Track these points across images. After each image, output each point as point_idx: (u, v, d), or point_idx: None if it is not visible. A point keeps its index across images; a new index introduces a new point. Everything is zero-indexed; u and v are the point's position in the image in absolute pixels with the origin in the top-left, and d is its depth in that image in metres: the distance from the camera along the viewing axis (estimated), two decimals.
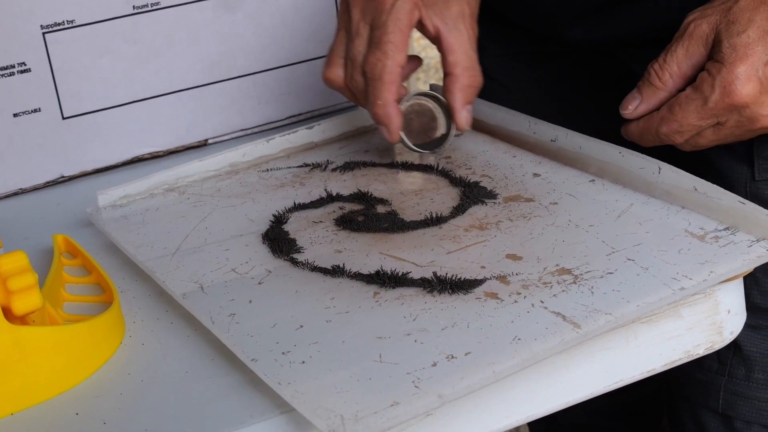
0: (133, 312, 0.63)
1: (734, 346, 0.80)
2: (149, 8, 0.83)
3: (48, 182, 0.85)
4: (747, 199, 0.63)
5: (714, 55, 0.67)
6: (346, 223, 0.69)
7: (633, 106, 0.71)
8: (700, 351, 0.61)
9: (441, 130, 0.78)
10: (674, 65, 0.69)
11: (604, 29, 0.80)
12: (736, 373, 0.79)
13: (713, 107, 0.66)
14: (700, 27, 0.68)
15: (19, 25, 0.79)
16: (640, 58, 0.81)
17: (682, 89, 0.69)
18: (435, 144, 0.78)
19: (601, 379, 0.57)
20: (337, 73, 0.75)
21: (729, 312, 0.61)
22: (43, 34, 0.80)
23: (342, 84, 0.75)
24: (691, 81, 0.69)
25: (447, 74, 0.74)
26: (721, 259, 0.60)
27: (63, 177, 0.85)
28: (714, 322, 0.61)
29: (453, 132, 0.77)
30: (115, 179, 0.85)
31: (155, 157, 0.88)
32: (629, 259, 0.61)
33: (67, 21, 0.81)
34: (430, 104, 0.78)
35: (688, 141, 0.69)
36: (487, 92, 0.82)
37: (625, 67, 0.86)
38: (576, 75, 0.90)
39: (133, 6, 0.83)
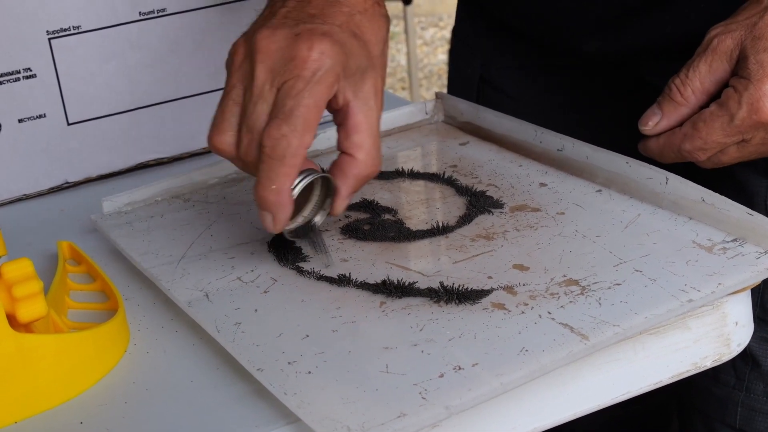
0: (137, 320, 0.63)
1: (752, 361, 0.79)
2: (156, 14, 0.83)
3: (52, 188, 0.84)
4: (766, 212, 0.63)
5: (739, 71, 0.66)
6: (352, 231, 0.68)
7: (653, 122, 0.70)
8: (708, 363, 0.61)
9: (311, 204, 0.65)
10: (697, 81, 0.68)
11: (619, 41, 0.80)
12: (755, 388, 0.79)
13: (740, 124, 0.66)
14: (724, 42, 0.67)
15: (24, 31, 0.79)
16: (655, 69, 0.81)
17: (704, 105, 0.68)
18: (303, 230, 0.66)
19: (608, 390, 0.57)
20: (228, 140, 0.62)
21: (737, 324, 0.61)
22: (49, 39, 0.80)
23: (233, 154, 0.62)
24: (713, 97, 0.68)
25: (346, 154, 0.62)
26: (729, 271, 0.60)
27: (67, 183, 0.85)
28: (722, 334, 0.60)
29: (322, 217, 0.65)
30: (120, 186, 0.84)
31: (160, 163, 0.88)
32: (637, 271, 0.60)
33: (73, 27, 0.81)
34: (316, 181, 0.64)
35: (711, 158, 0.69)
36: (494, 104, 0.82)
37: (635, 79, 0.85)
38: (584, 87, 0.89)
39: (140, 12, 0.82)
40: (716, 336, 0.60)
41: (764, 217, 0.62)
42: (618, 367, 0.57)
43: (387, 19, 0.65)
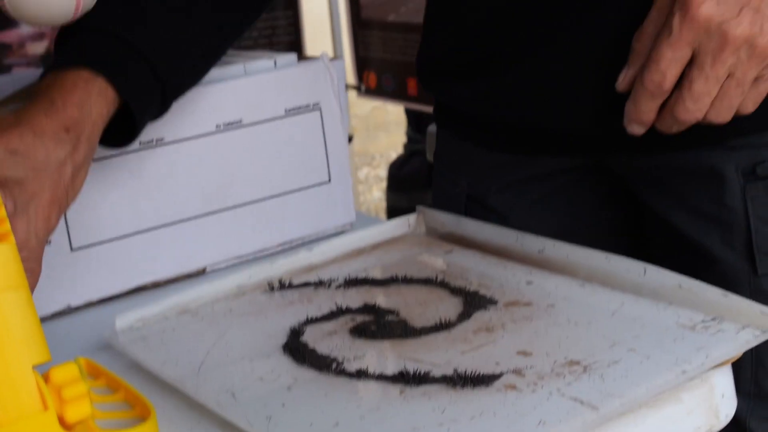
0: (164, 426, 0.66)
1: None
2: (155, 144, 0.89)
3: (55, 313, 0.88)
4: (750, 294, 0.68)
5: None
6: (360, 332, 0.73)
7: (622, 76, 0.77)
8: None
9: None
10: (650, 26, 0.74)
11: (597, 114, 0.84)
12: None
13: (679, 31, 0.71)
14: None
15: None
16: (634, 169, 0.88)
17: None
18: None
19: None
20: None
21: (723, 396, 0.67)
22: None
23: None
24: None
25: None
26: (714, 345, 0.66)
27: (70, 307, 0.88)
28: (711, 405, 0.66)
29: None
30: (118, 307, 0.88)
31: (156, 285, 0.92)
32: (631, 350, 0.66)
33: None
34: None
35: (689, 96, 0.72)
36: (482, 220, 0.88)
37: (615, 183, 0.91)
38: (568, 198, 0.95)
39: (140, 142, 0.88)
40: (707, 408, 0.66)
41: (738, 297, 0.69)
42: None
43: (68, 144, 0.72)
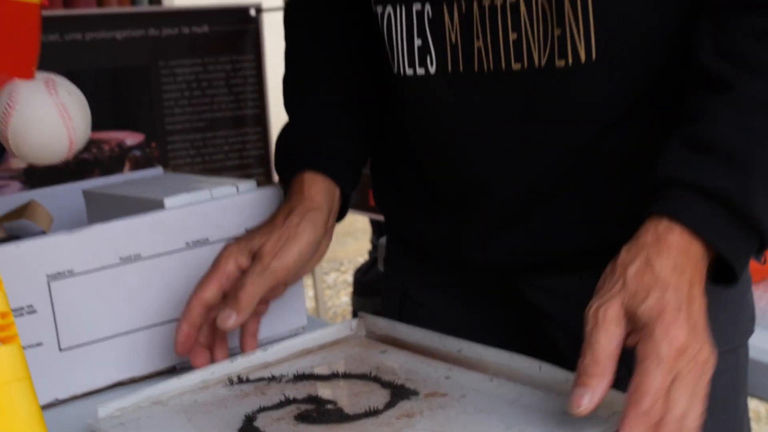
0: None
1: None
2: (133, 259, 1.04)
3: (44, 405, 1.01)
4: None
5: (636, 326, 0.77)
6: (303, 418, 0.88)
7: (585, 400, 0.76)
8: None
9: None
10: (605, 350, 0.76)
11: (502, 251, 1.02)
12: None
13: (667, 359, 0.75)
14: (609, 310, 0.77)
15: (29, 275, 0.99)
16: (533, 283, 1.04)
17: (618, 370, 0.77)
18: None
19: None
20: None
21: None
22: (48, 282, 1.00)
23: None
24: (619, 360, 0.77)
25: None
26: (589, 426, 0.81)
27: (57, 400, 1.02)
28: None
29: None
30: (100, 399, 1.02)
31: (134, 381, 1.06)
32: (521, 431, 0.81)
33: (68, 270, 1.01)
34: None
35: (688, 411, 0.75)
36: (414, 314, 1.04)
37: (516, 296, 1.08)
38: (479, 301, 1.12)
39: (120, 257, 1.03)
40: None
41: (612, 390, 0.84)
42: None
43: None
